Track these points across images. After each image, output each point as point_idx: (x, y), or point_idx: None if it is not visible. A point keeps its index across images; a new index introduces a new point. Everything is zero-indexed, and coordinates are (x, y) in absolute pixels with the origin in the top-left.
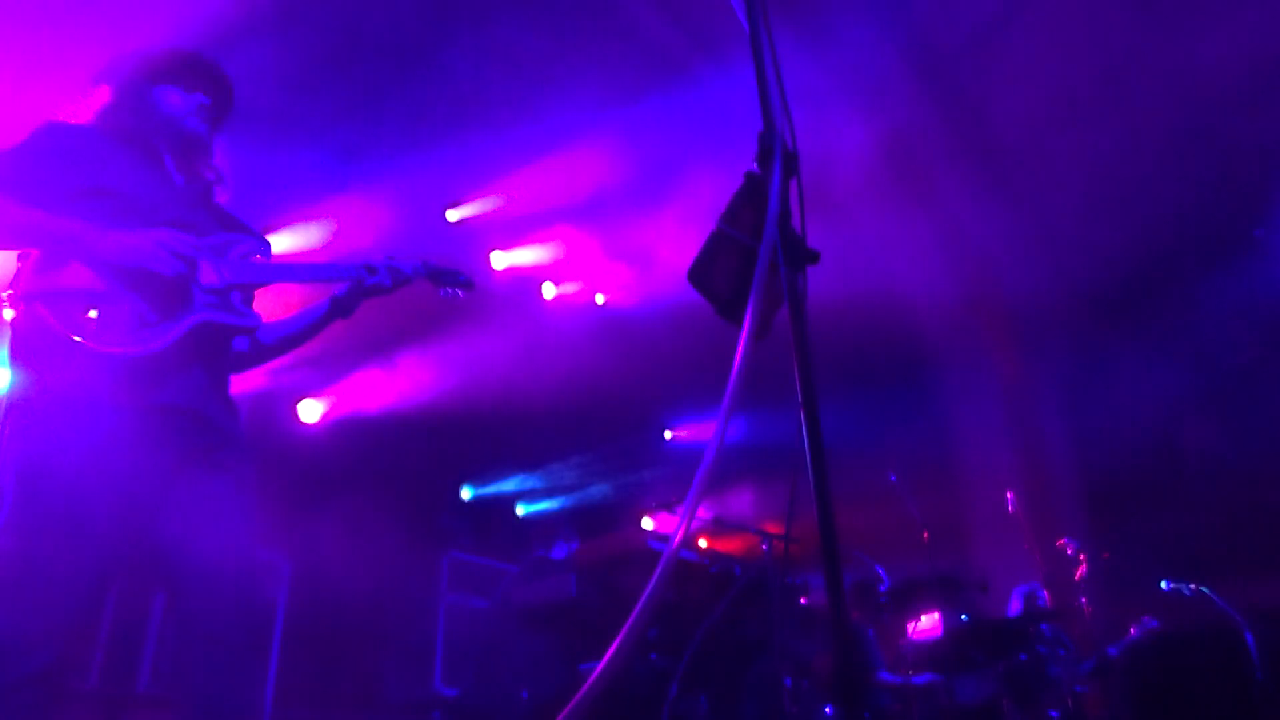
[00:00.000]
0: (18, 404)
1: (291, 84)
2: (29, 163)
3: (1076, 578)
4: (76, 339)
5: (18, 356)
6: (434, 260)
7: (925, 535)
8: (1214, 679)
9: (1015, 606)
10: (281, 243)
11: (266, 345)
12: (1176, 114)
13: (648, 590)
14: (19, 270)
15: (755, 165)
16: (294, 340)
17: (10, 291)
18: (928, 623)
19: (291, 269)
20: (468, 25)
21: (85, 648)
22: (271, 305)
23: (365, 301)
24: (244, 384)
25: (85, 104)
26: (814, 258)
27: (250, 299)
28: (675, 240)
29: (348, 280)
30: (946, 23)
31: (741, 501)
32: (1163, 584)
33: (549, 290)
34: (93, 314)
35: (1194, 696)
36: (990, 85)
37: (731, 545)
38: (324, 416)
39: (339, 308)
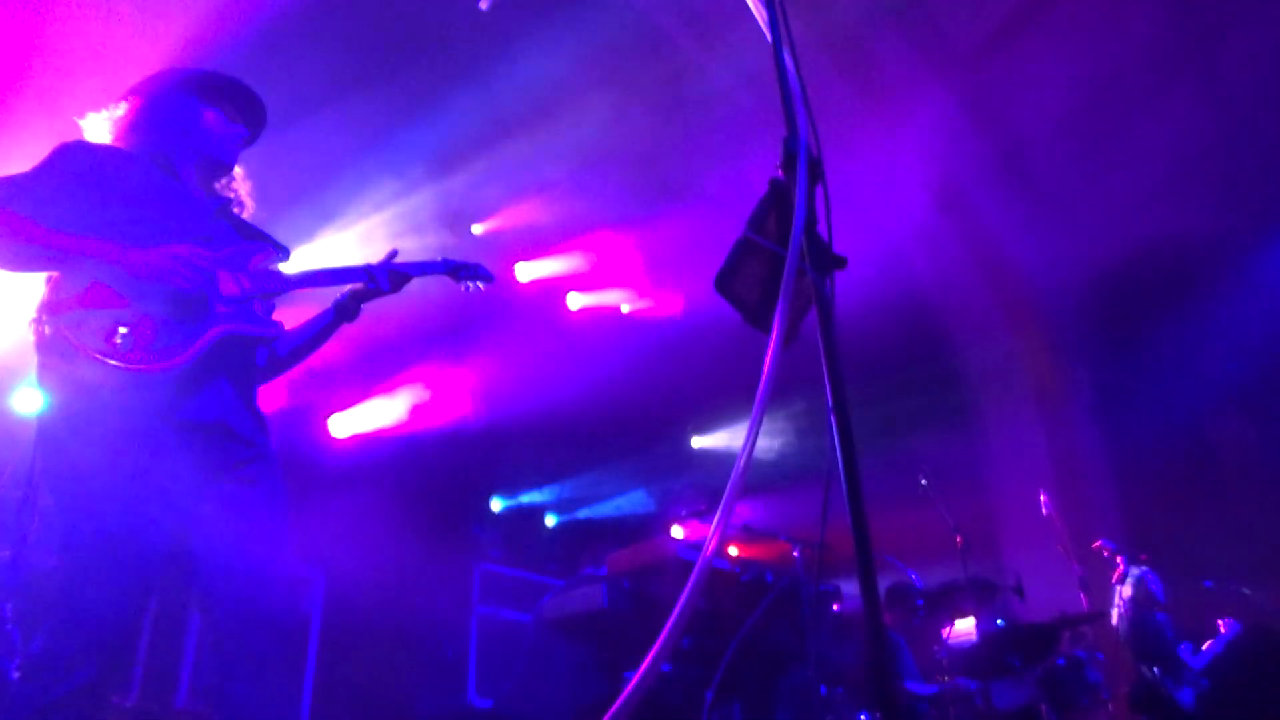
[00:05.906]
0: (49, 425)
1: (316, 98)
2: (48, 184)
3: (1114, 580)
4: (102, 358)
5: (45, 378)
6: (454, 256)
7: (958, 539)
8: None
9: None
10: (301, 259)
11: (280, 357)
12: (1206, 108)
13: (682, 599)
14: (43, 292)
15: (780, 172)
16: (303, 350)
17: (35, 314)
18: (963, 628)
19: (311, 275)
20: (494, 41)
21: (126, 663)
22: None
23: (398, 316)
24: (274, 400)
25: (109, 118)
26: (841, 263)
27: (271, 308)
28: (701, 248)
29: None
30: (968, 19)
31: (772, 508)
32: (1205, 584)
33: (574, 301)
34: (123, 332)
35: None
36: (1015, 81)
37: (763, 553)
38: (354, 431)
39: (343, 313)
